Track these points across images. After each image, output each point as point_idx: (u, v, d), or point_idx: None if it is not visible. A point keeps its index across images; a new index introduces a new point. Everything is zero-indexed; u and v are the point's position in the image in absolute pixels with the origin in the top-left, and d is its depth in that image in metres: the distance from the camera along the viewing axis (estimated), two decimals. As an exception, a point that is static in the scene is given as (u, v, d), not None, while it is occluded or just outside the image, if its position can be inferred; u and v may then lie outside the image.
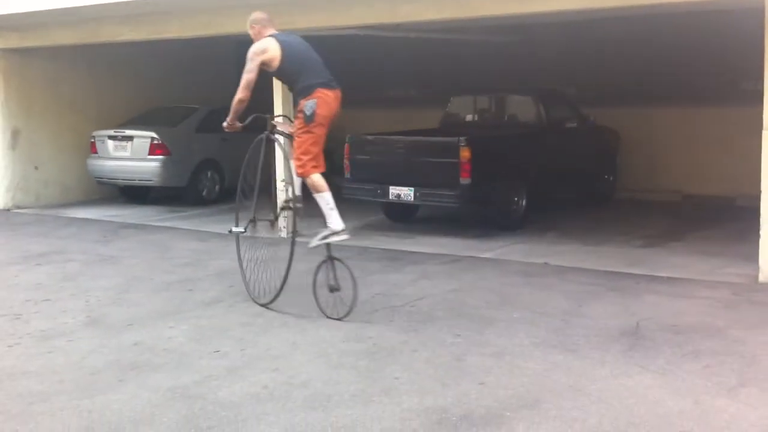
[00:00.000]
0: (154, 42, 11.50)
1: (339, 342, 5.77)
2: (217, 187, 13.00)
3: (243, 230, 6.97)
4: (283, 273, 6.67)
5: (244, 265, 7.01)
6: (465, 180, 9.25)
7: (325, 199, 6.48)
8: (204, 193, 12.84)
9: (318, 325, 6.24)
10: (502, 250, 8.88)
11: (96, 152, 12.55)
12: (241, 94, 6.39)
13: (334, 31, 10.08)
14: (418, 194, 9.57)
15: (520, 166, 9.98)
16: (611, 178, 12.17)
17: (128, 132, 12.38)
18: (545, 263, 8.14)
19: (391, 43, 12.11)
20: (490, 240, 9.34)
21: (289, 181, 6.84)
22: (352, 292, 6.31)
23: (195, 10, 9.90)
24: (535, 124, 10.79)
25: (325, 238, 6.52)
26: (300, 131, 6.33)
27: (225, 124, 6.72)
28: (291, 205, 6.88)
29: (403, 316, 6.42)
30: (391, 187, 9.73)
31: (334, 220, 6.47)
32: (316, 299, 6.54)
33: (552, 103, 11.12)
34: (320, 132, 6.33)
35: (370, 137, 10.42)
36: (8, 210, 12.42)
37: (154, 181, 12.31)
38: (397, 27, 10.03)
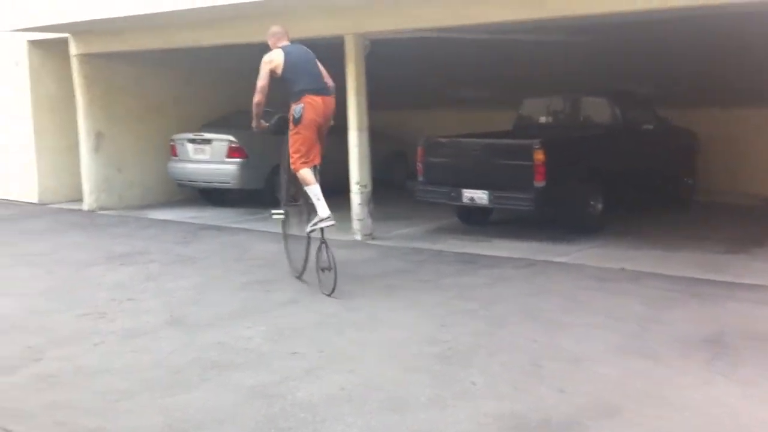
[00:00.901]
0: (232, 46, 11.72)
1: (413, 344, 5.80)
2: (293, 190, 13.12)
3: (282, 214, 7.95)
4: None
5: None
6: (540, 183, 9.16)
7: (313, 192, 7.29)
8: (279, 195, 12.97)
9: (391, 326, 6.28)
10: (577, 254, 8.77)
11: (176, 155, 12.85)
12: (256, 98, 7.35)
13: (405, 34, 10.13)
14: (492, 197, 9.53)
15: (595, 169, 9.84)
16: (690, 181, 11.88)
17: (207, 135, 12.64)
18: (622, 268, 8.00)
19: (462, 45, 12.08)
20: (565, 244, 9.24)
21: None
22: (334, 274, 7.13)
23: (273, 14, 10.01)
24: (610, 126, 10.62)
25: (315, 224, 7.36)
26: (292, 132, 7.24)
27: (253, 125, 7.67)
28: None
29: (477, 319, 6.41)
30: (464, 190, 9.71)
31: (322, 208, 7.27)
32: (319, 278, 7.34)
33: (628, 104, 10.92)
34: (308, 133, 7.19)
35: (443, 139, 10.41)
36: (92, 211, 12.83)
37: (232, 183, 12.54)
38: (467, 29, 10.01)
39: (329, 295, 7.11)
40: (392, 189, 11.24)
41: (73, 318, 6.77)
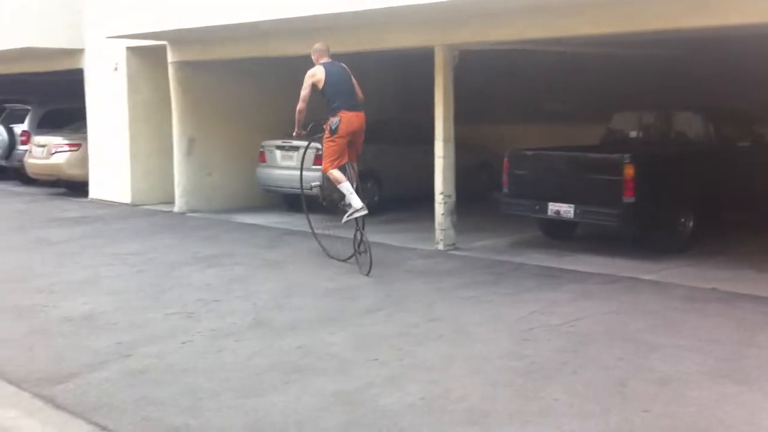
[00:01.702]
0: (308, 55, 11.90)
1: (495, 358, 5.75)
2: (375, 198, 13.23)
3: (310, 188, 9.92)
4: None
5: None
6: (628, 198, 8.97)
7: (345, 187, 8.62)
8: (364, 202, 13.05)
9: (474, 340, 6.24)
10: (665, 272, 8.53)
11: (264, 161, 13.10)
12: (299, 106, 8.63)
13: (494, 47, 10.09)
14: (578, 211, 9.37)
15: (686, 186, 9.57)
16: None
17: (295, 142, 12.83)
18: (713, 288, 7.75)
19: (549, 57, 11.96)
20: (653, 261, 9.01)
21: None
22: (369, 257, 8.40)
23: (364, 26, 10.16)
24: (703, 142, 10.32)
25: (351, 215, 8.61)
26: (327, 140, 8.59)
27: (294, 133, 9.02)
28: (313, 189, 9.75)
29: (561, 335, 6.31)
30: (550, 204, 9.58)
31: (355, 201, 8.55)
32: (358, 261, 8.62)
33: (722, 120, 10.59)
34: (342, 142, 8.55)
35: (529, 152, 10.31)
36: (183, 213, 13.19)
37: (317, 190, 12.66)
38: (557, 41, 9.91)
39: (366, 275, 8.30)
40: (475, 200, 11.20)
41: (162, 316, 6.96)
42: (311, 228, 9.80)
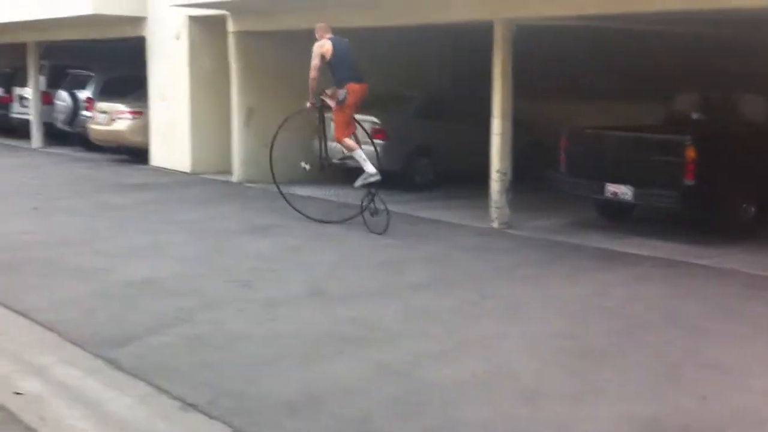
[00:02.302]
0: (378, 28, 11.87)
1: (550, 337, 5.75)
2: (431, 174, 13.24)
3: (307, 167, 10.11)
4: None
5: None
6: (689, 181, 8.81)
7: (358, 154, 9.33)
8: (417, 178, 13.10)
9: (527, 317, 6.25)
10: (723, 257, 8.38)
11: (320, 133, 13.16)
12: (311, 74, 9.13)
13: (550, 22, 9.96)
14: (636, 193, 9.24)
15: (749, 170, 9.35)
16: None
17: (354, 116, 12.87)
18: (773, 276, 7.61)
19: (609, 34, 11.72)
20: (711, 246, 8.85)
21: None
22: (386, 217, 9.16)
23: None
24: (767, 126, 10.07)
25: (366, 180, 9.31)
26: (336, 111, 9.18)
27: (307, 104, 9.52)
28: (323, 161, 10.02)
29: (615, 318, 6.27)
30: (607, 184, 9.46)
31: (369, 167, 9.29)
32: (365, 221, 9.32)
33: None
34: (349, 111, 9.21)
35: (588, 131, 10.18)
36: (240, 183, 13.37)
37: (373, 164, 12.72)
38: (623, 18, 9.71)
39: (381, 234, 8.99)
40: (528, 179, 11.13)
41: (220, 284, 7.11)
42: (281, 193, 10.19)
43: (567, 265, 8.07)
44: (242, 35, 13.23)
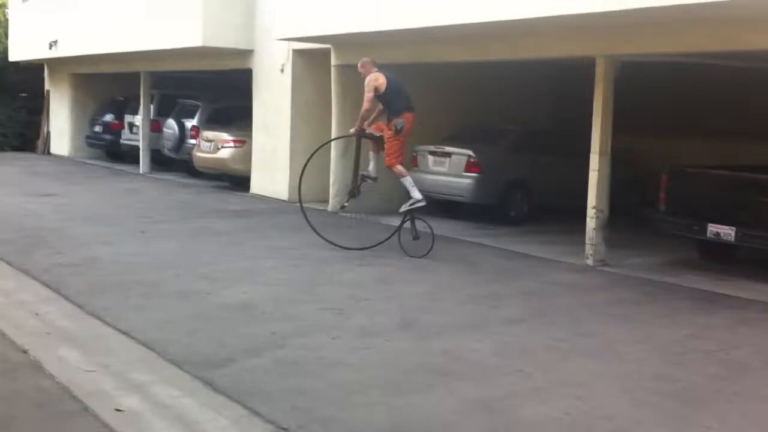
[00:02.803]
0: (479, 62, 11.96)
1: (645, 379, 5.61)
2: (525, 208, 13.16)
3: (343, 206, 10.75)
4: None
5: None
6: (796, 224, 8.49)
7: (408, 180, 9.79)
8: (512, 212, 13.04)
9: (623, 358, 6.12)
10: (835, 304, 8.01)
11: (417, 166, 13.29)
12: (365, 106, 9.54)
13: (656, 58, 9.81)
14: (740, 234, 8.94)
15: None
16: None
17: (447, 149, 12.97)
18: None
19: (711, 71, 11.44)
20: (822, 292, 8.47)
21: (375, 167, 10.08)
22: (431, 240, 9.63)
23: (523, 34, 10.13)
24: None
25: (413, 205, 9.76)
26: (391, 138, 9.53)
27: (352, 130, 10.03)
28: (367, 179, 10.17)
29: (716, 362, 6.07)
30: (709, 225, 9.20)
31: (416, 193, 9.73)
32: (401, 245, 9.72)
33: None
34: (404, 139, 9.65)
35: (690, 170, 9.93)
36: (335, 213, 13.59)
37: (467, 197, 12.76)
38: (732, 55, 9.49)
39: (423, 257, 9.47)
40: (624, 216, 10.92)
41: (314, 310, 7.24)
42: (309, 222, 10.37)
43: (664, 305, 7.87)
44: (344, 68, 13.51)
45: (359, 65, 9.85)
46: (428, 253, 9.55)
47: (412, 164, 13.33)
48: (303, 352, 6.05)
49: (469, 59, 11.65)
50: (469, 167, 12.66)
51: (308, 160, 10.78)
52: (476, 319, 7.12)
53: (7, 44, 23.92)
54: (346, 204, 10.52)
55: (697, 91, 13.32)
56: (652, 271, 9.46)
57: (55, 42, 20.84)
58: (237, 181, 16.36)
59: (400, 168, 9.72)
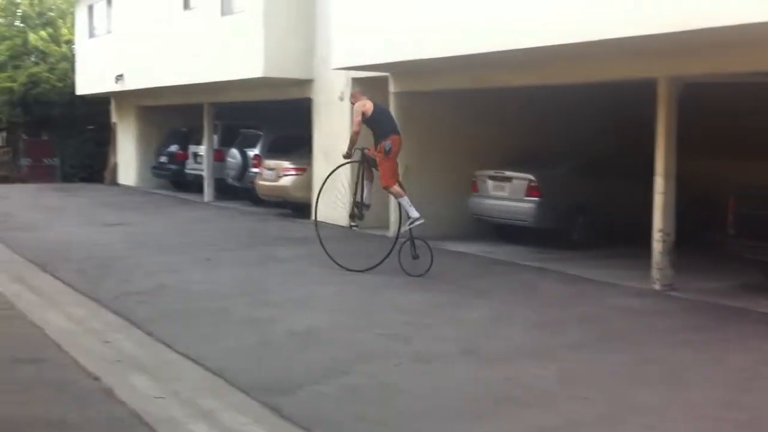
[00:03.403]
0: (532, 87, 11.95)
1: (715, 407, 5.50)
2: (587, 232, 13.02)
3: (353, 225, 11.07)
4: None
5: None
6: None
7: (405, 200, 10.23)
8: (574, 236, 12.92)
9: (690, 384, 6.01)
10: None
11: (476, 191, 13.30)
12: (354, 129, 10.23)
13: (721, 79, 9.66)
14: (812, 258, 8.72)
15: None
16: None
17: (507, 173, 12.95)
18: None
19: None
20: None
21: (368, 195, 10.61)
22: (430, 259, 10.01)
23: (583, 56, 10.09)
24: None
25: (412, 223, 10.17)
26: (382, 161, 10.09)
27: (344, 153, 10.39)
28: (358, 206, 10.63)
29: (788, 389, 5.91)
30: (780, 247, 8.98)
31: (413, 212, 10.14)
32: (401, 264, 10.10)
33: None
34: (394, 159, 10.17)
35: (759, 191, 9.71)
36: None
37: (528, 221, 12.70)
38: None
39: (422, 276, 9.85)
40: (690, 239, 10.71)
41: (374, 336, 7.29)
42: (321, 243, 10.79)
43: (733, 330, 7.69)
44: (402, 95, 13.65)
45: (350, 95, 10.86)
46: (427, 271, 9.94)
47: (471, 190, 13.37)
48: (365, 378, 6.10)
49: (528, 84, 11.64)
50: (530, 191, 12.61)
51: (324, 183, 11.40)
52: (539, 345, 7.07)
53: (74, 79, 24.78)
54: (354, 226, 11.15)
55: (749, 110, 13.01)
56: (721, 295, 9.26)
57: (121, 76, 21.52)
58: (298, 208, 16.56)
59: (396, 188, 10.22)
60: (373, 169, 10.40)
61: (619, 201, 12.61)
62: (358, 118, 10.17)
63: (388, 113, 10.56)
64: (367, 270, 10.22)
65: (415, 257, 10.11)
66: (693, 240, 11.13)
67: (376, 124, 10.19)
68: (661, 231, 9.58)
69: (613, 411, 5.43)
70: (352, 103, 10.54)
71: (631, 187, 12.17)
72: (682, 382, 6.09)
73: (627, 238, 12.47)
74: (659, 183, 9.60)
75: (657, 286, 9.52)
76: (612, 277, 10.22)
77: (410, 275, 9.92)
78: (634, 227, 11.56)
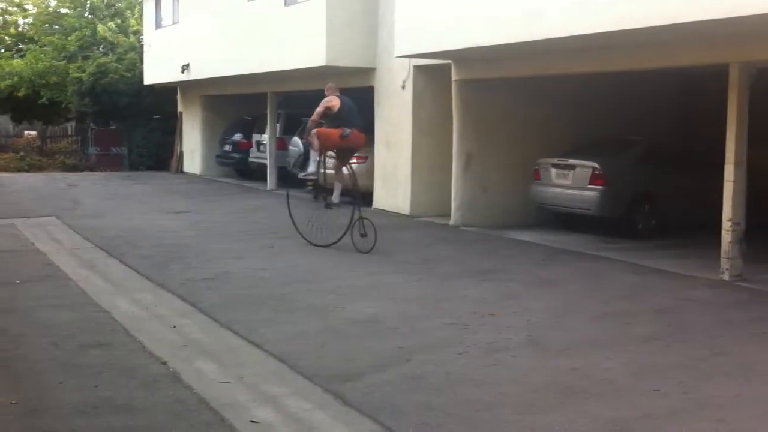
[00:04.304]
0: (600, 74, 11.70)
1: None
2: (653, 221, 12.75)
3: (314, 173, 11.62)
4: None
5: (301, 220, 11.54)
6: None
7: (314, 155, 11.43)
8: (639, 225, 12.66)
9: (764, 378, 5.82)
10: None
11: (539, 179, 13.12)
12: (313, 117, 11.17)
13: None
14: None
15: None
16: None
17: (571, 161, 12.74)
18: None
19: None
20: None
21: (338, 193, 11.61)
22: (374, 237, 10.77)
23: (651, 43, 9.85)
24: None
25: (303, 175, 11.77)
26: (335, 132, 11.10)
27: (304, 137, 12.50)
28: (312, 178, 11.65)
29: None
30: None
31: (311, 167, 11.49)
32: (353, 242, 10.85)
33: None
34: (338, 142, 11.16)
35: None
36: (457, 227, 13.58)
37: (592, 210, 12.48)
38: None
39: (367, 253, 10.63)
40: (760, 228, 10.38)
41: (439, 325, 7.24)
42: (293, 222, 11.63)
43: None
44: (465, 83, 13.53)
45: (326, 88, 11.57)
46: (372, 248, 10.69)
47: (534, 178, 13.20)
48: (430, 367, 6.06)
49: (593, 70, 11.43)
50: (594, 180, 12.38)
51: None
52: (606, 337, 6.94)
53: (142, 69, 25.25)
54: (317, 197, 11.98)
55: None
56: (795, 287, 8.97)
57: (187, 66, 21.83)
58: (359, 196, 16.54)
59: (316, 143, 11.17)
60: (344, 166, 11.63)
61: (686, 190, 12.31)
62: (320, 109, 11.12)
63: (356, 113, 11.35)
64: (330, 245, 11.09)
65: (363, 235, 10.83)
66: (764, 231, 10.80)
67: (342, 120, 11.10)
68: (730, 220, 9.30)
69: (686, 405, 5.29)
70: (326, 95, 11.42)
71: (699, 175, 11.85)
72: (755, 375, 5.90)
73: (693, 228, 12.16)
74: (729, 171, 9.33)
75: (726, 277, 9.27)
76: (679, 268, 9.99)
77: (361, 251, 10.71)
78: (702, 217, 11.25)
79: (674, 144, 13.44)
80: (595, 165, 12.43)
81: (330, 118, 11.23)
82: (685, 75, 12.58)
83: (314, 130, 11.16)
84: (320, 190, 11.80)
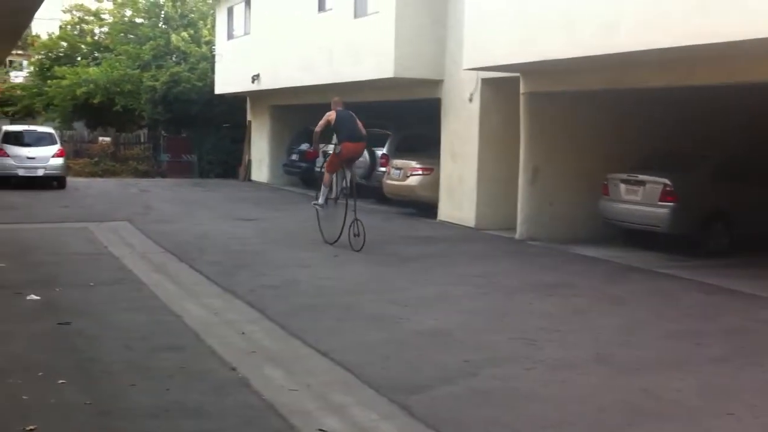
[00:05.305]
0: (672, 88, 11.48)
1: None
2: (726, 239, 12.44)
3: (322, 204, 12.56)
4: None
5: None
6: None
7: (324, 189, 12.52)
8: (711, 243, 12.37)
9: None
10: None
11: (607, 194, 12.94)
12: (316, 129, 12.37)
13: None
14: None
15: None
16: None
17: (641, 177, 12.53)
18: None
19: None
20: None
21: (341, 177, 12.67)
22: (363, 238, 11.75)
23: (732, 56, 9.62)
24: None
25: (313, 204, 12.78)
26: (333, 155, 12.42)
27: (312, 148, 14.14)
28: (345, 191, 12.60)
29: None
30: None
31: (320, 200, 12.53)
32: (350, 242, 11.82)
33: None
34: (339, 160, 12.33)
35: None
36: (523, 241, 13.48)
37: (662, 227, 12.24)
38: None
39: (358, 251, 11.60)
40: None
41: (505, 340, 7.20)
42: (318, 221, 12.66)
43: None
44: (533, 96, 13.44)
45: (332, 101, 12.60)
46: (362, 248, 11.68)
47: (602, 193, 13.02)
48: (496, 382, 6.03)
49: (669, 84, 11.20)
50: (665, 196, 12.16)
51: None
52: (677, 357, 6.80)
53: (213, 78, 25.77)
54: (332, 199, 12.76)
55: None
56: None
57: (258, 76, 22.20)
58: (424, 208, 16.61)
59: (327, 177, 12.51)
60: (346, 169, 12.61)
61: (762, 208, 11.98)
62: (322, 122, 12.30)
63: (348, 123, 12.26)
64: (333, 243, 12.09)
65: (357, 234, 11.87)
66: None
67: (336, 131, 12.37)
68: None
69: (759, 429, 5.15)
70: (332, 108, 12.48)
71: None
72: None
73: (767, 246, 11.85)
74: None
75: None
76: (754, 288, 9.73)
77: (355, 250, 11.61)
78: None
79: (749, 160, 13.12)
80: (666, 181, 12.21)
81: (330, 129, 12.46)
82: (755, 88, 12.24)
83: (325, 164, 12.76)
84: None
